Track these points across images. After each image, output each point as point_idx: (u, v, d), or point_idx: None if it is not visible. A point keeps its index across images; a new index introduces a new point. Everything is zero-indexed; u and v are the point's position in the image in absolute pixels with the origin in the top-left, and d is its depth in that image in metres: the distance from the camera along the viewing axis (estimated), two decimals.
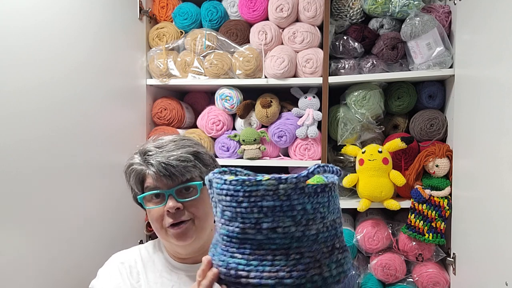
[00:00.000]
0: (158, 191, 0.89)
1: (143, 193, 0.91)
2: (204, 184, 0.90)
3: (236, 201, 0.61)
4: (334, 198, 0.65)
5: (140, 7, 1.62)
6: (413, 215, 1.48)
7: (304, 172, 0.61)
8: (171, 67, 1.63)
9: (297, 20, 1.61)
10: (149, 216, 0.93)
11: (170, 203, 0.87)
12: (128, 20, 1.56)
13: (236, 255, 0.62)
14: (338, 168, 0.65)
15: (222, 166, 0.86)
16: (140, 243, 1.11)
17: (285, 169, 1.70)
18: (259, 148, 1.60)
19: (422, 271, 1.48)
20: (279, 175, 0.60)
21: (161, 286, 0.94)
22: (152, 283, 0.94)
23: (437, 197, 1.46)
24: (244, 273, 0.61)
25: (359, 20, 1.58)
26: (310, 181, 0.62)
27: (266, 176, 0.60)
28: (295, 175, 0.60)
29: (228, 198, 0.61)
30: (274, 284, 0.59)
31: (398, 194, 1.59)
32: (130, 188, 0.97)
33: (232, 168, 0.74)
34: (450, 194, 1.46)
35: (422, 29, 1.43)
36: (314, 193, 0.61)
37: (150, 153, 0.89)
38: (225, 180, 0.62)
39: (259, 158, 1.61)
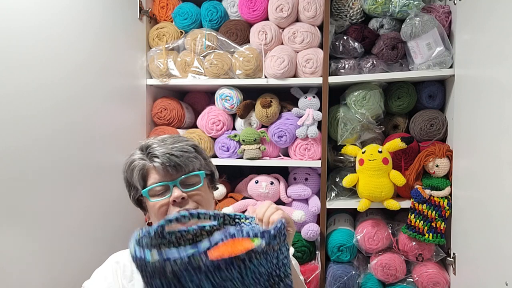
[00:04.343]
0: (164, 183, 0.90)
1: (145, 188, 0.92)
2: (206, 174, 0.96)
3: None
4: (251, 270, 0.59)
5: (140, 7, 1.62)
6: (413, 215, 1.48)
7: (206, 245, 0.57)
8: (171, 67, 1.63)
9: (297, 20, 1.61)
10: (153, 211, 0.93)
11: (176, 193, 0.89)
12: (128, 20, 1.56)
13: None
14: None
15: (220, 165, 0.89)
16: None
17: (285, 169, 1.71)
18: (259, 148, 1.60)
19: (422, 271, 1.48)
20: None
21: None
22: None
23: (437, 197, 1.46)
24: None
25: (359, 20, 1.58)
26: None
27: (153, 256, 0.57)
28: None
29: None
30: None
31: (398, 194, 1.59)
32: (129, 188, 0.97)
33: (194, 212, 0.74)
34: (450, 194, 1.46)
35: (422, 29, 1.43)
36: (214, 269, 0.56)
37: (153, 147, 0.91)
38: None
39: (259, 158, 1.61)
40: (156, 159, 0.89)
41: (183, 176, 0.91)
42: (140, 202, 0.99)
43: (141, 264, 0.58)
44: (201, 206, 0.93)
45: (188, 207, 0.90)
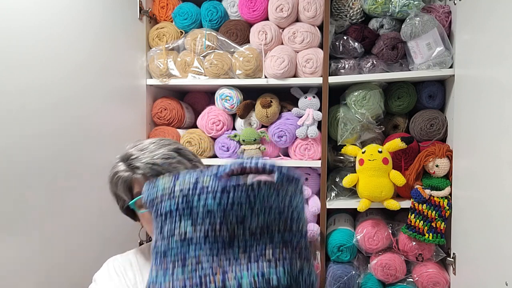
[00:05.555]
0: None
1: (133, 199, 0.88)
2: None
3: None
4: (259, 198, 0.56)
5: (140, 7, 1.62)
6: (413, 215, 1.48)
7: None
8: (171, 67, 1.63)
9: (297, 20, 1.61)
10: (143, 221, 0.91)
11: None
12: (128, 20, 1.56)
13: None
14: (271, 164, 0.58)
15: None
16: (140, 244, 1.11)
17: None
18: (259, 148, 1.60)
19: (422, 271, 1.48)
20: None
21: None
22: None
23: (437, 197, 1.46)
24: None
25: (359, 20, 1.58)
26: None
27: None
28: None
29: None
30: None
31: (398, 194, 1.59)
32: (117, 199, 0.94)
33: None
34: (450, 194, 1.46)
35: (422, 29, 1.43)
36: (222, 189, 0.55)
37: (133, 157, 0.87)
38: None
39: None
40: (137, 170, 0.85)
41: None
42: (130, 212, 0.95)
43: (149, 191, 0.58)
44: None
45: None
